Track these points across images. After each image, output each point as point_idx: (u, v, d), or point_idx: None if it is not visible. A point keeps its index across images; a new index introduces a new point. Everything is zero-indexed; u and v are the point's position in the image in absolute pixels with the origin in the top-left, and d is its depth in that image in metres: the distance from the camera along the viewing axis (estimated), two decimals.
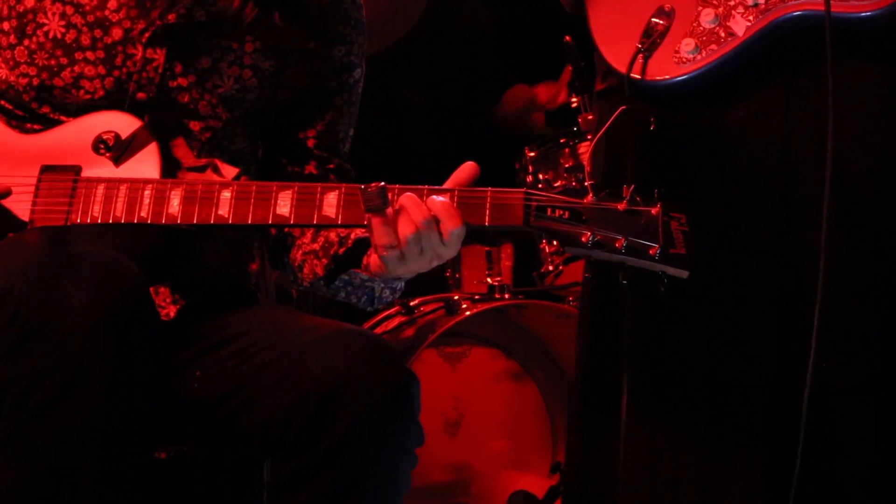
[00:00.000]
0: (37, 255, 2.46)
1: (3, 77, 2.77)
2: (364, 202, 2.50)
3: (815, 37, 2.91)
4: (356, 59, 2.94)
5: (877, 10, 2.93)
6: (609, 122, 2.98)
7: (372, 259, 2.61)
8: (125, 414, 2.42)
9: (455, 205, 2.48)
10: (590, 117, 4.66)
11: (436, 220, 2.48)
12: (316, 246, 2.77)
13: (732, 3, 3.04)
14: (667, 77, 3.06)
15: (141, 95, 2.76)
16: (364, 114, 3.03)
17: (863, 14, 2.95)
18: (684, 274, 2.50)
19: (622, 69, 3.06)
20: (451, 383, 4.84)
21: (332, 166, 2.94)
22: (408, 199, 2.48)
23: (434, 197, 2.49)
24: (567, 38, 4.71)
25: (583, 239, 2.48)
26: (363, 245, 2.68)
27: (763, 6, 3.01)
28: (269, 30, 2.82)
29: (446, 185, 2.54)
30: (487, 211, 2.50)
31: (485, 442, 4.91)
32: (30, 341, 2.37)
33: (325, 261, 2.75)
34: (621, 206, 2.47)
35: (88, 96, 2.75)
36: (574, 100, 4.80)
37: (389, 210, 2.49)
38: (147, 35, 2.75)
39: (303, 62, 2.87)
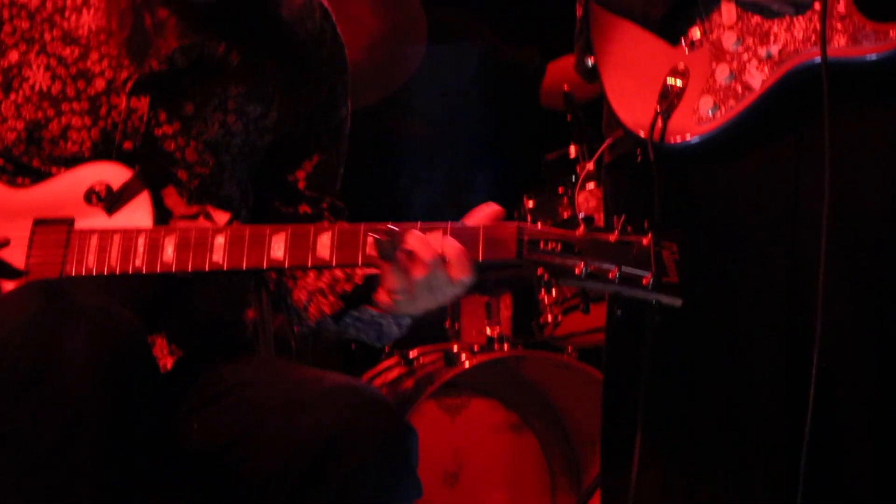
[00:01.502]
0: (35, 307, 2.44)
1: None
2: (377, 250, 2.51)
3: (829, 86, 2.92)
4: (341, 98, 2.94)
5: (883, 54, 2.94)
6: (598, 153, 2.99)
7: (383, 298, 2.62)
8: (124, 465, 2.40)
9: (465, 253, 2.48)
10: (589, 167, 4.66)
11: (444, 261, 2.49)
12: (322, 284, 2.77)
13: (746, 56, 3.05)
14: (687, 138, 3.06)
15: (127, 145, 2.74)
16: (360, 158, 3.03)
17: (868, 58, 2.95)
18: (678, 302, 2.49)
19: (641, 133, 3.06)
20: (451, 434, 4.82)
21: (325, 205, 2.93)
22: (417, 241, 2.49)
23: (447, 239, 2.48)
24: (565, 87, 4.72)
25: (576, 271, 2.47)
26: (371, 282, 2.69)
27: (777, 58, 3.02)
28: (252, 74, 2.81)
29: (467, 223, 2.53)
30: (481, 246, 2.49)
31: (484, 493, 4.89)
32: (29, 393, 2.34)
33: (331, 298, 2.75)
34: (613, 237, 2.47)
35: (76, 147, 2.73)
36: (573, 149, 4.80)
37: (400, 255, 2.49)
38: (130, 85, 2.74)
39: (287, 105, 2.86)
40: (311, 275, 2.80)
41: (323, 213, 2.93)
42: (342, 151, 2.98)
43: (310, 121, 2.90)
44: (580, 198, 4.72)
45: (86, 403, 2.36)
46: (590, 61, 3.23)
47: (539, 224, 2.53)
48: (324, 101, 2.90)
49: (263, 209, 2.91)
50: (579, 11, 3.32)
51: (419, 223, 2.53)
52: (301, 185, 2.91)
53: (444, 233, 2.51)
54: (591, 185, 4.49)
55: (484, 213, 2.53)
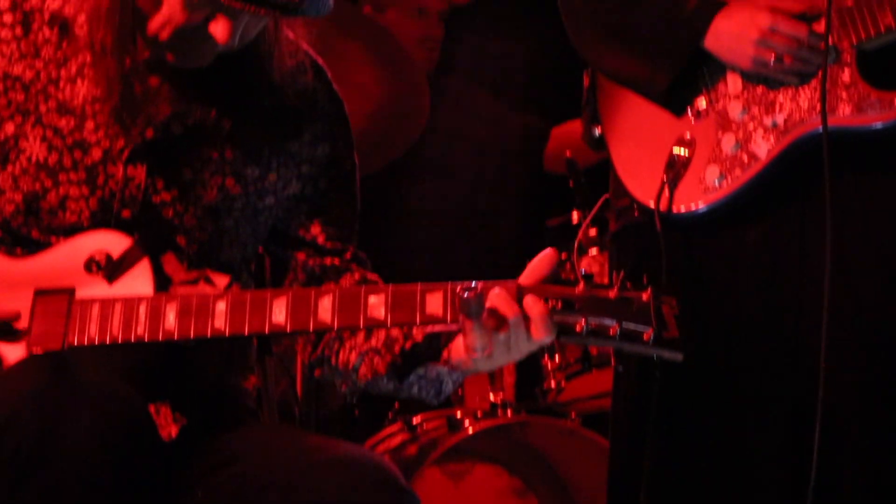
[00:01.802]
0: (39, 384, 2.43)
1: None
2: (461, 308, 2.50)
3: (832, 153, 2.93)
4: (344, 152, 2.94)
5: (888, 122, 2.96)
6: (590, 216, 3.01)
7: (456, 354, 2.63)
8: None
9: (547, 312, 2.47)
10: (591, 233, 4.66)
11: (526, 319, 2.49)
12: (375, 344, 2.75)
13: (752, 126, 3.08)
14: (694, 207, 3.10)
15: (126, 213, 2.74)
16: (370, 217, 3.04)
17: (874, 126, 2.96)
18: (679, 357, 2.48)
19: (649, 203, 3.08)
20: (455, 501, 4.79)
21: (349, 256, 2.93)
22: (500, 299, 2.49)
23: (530, 297, 2.48)
24: (568, 153, 4.73)
25: (577, 328, 2.46)
26: (432, 340, 2.69)
27: (782, 127, 3.05)
28: (247, 137, 2.82)
29: (523, 275, 2.54)
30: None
31: None
32: (33, 473, 2.34)
33: (388, 358, 2.74)
34: (612, 294, 2.47)
35: (75, 217, 2.73)
36: (575, 215, 4.80)
37: (484, 313, 2.49)
38: (126, 153, 2.74)
39: (286, 165, 2.87)
40: (360, 336, 2.81)
41: (350, 264, 2.93)
42: (355, 203, 2.98)
43: (314, 179, 2.90)
44: (583, 263, 4.73)
45: (91, 484, 2.36)
46: (597, 131, 3.26)
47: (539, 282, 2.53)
48: (326, 158, 2.90)
49: (289, 264, 2.93)
50: (586, 81, 3.35)
51: (450, 283, 2.53)
52: (320, 239, 2.91)
53: (445, 294, 2.52)
54: (593, 251, 4.50)
55: (536, 263, 2.56)
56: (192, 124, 2.76)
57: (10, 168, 2.74)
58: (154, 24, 2.61)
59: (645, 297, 2.47)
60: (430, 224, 5.38)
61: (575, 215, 4.83)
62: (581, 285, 2.49)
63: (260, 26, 2.67)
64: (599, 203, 3.37)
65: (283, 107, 2.83)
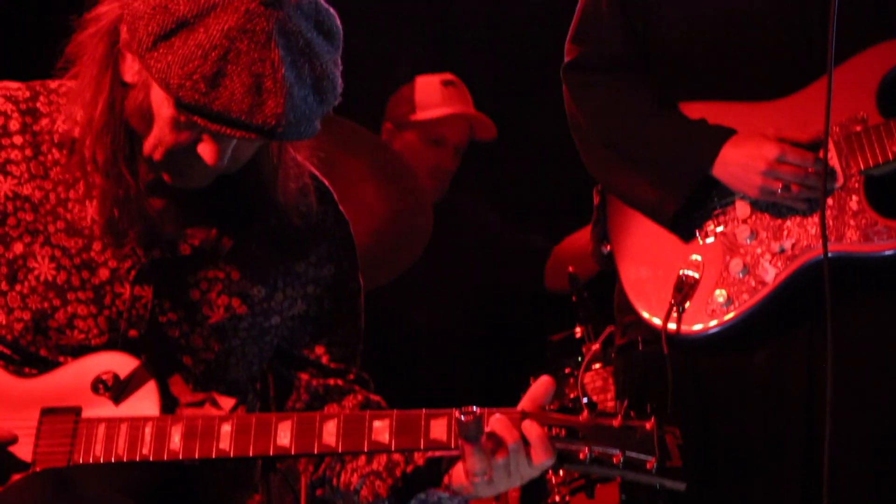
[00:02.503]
0: (41, 499, 2.44)
1: (2, 322, 2.77)
2: (460, 432, 2.51)
3: (839, 278, 2.94)
4: (349, 274, 2.95)
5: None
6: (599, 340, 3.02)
7: (457, 479, 2.62)
8: None
9: (546, 436, 2.49)
10: (594, 347, 4.67)
11: (526, 444, 2.50)
12: (377, 467, 2.75)
13: (759, 251, 3.11)
14: (701, 329, 3.11)
15: (133, 333, 2.76)
16: (371, 334, 3.05)
17: (884, 253, 3.00)
18: (681, 487, 2.47)
19: (657, 322, 3.11)
20: None
21: (352, 377, 2.94)
22: (500, 424, 2.50)
23: (528, 422, 2.49)
24: (570, 268, 4.75)
25: (580, 456, 2.47)
26: (433, 464, 2.69)
27: (790, 252, 3.08)
28: (254, 257, 2.83)
29: (522, 403, 2.55)
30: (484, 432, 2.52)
31: None
32: None
33: (389, 481, 2.73)
34: (616, 422, 2.47)
35: (83, 336, 2.74)
36: (578, 330, 4.81)
37: (483, 437, 2.50)
38: (133, 273, 2.76)
39: (292, 286, 2.88)
40: (363, 458, 2.81)
41: (353, 385, 2.93)
42: (359, 324, 2.98)
43: (320, 299, 2.91)
44: (586, 378, 4.72)
45: None
46: (605, 249, 3.28)
47: (544, 410, 2.54)
48: (331, 278, 2.91)
49: (293, 384, 2.93)
50: (596, 199, 3.39)
51: (455, 409, 2.54)
52: (324, 359, 2.92)
53: (450, 420, 2.53)
54: (597, 366, 4.51)
55: (534, 390, 2.57)
56: (198, 245, 2.78)
57: (18, 287, 2.76)
58: (147, 145, 2.64)
59: (648, 426, 2.47)
60: (432, 341, 5.38)
61: (578, 330, 4.83)
62: (585, 413, 2.49)
63: (252, 149, 2.69)
64: (604, 334, 3.37)
65: (288, 228, 2.85)
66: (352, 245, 2.95)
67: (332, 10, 2.58)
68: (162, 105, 2.55)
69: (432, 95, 5.43)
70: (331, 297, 2.91)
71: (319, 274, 2.89)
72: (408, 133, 5.41)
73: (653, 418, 2.47)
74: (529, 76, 5.60)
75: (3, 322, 2.76)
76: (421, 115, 5.39)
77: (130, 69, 2.60)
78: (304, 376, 2.91)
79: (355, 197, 4.52)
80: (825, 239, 2.90)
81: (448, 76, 5.46)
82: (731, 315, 3.09)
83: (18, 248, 2.75)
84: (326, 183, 2.95)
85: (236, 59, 2.45)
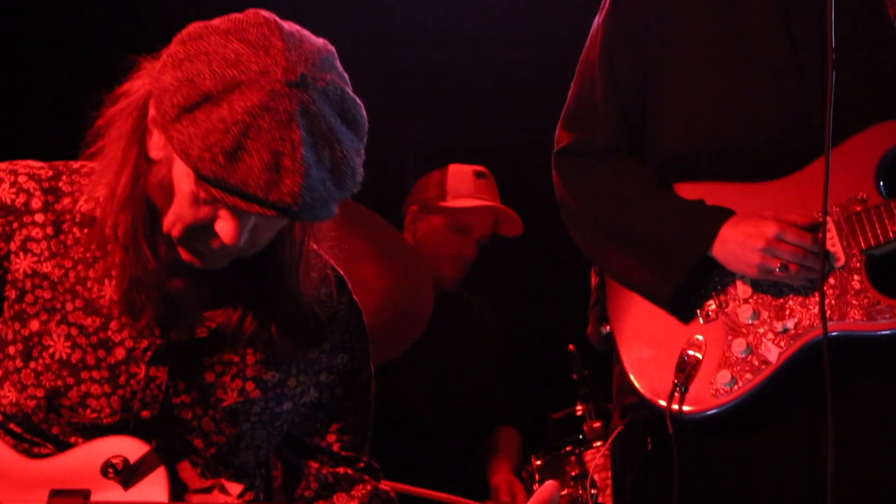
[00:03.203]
0: None
1: (14, 400, 2.77)
2: None
3: (841, 357, 2.96)
4: (361, 363, 2.96)
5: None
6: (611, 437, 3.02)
7: None
8: None
9: None
10: (595, 425, 4.67)
11: None
12: None
13: (762, 330, 3.11)
14: (705, 409, 3.11)
15: (145, 413, 2.76)
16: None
17: (888, 332, 3.02)
18: None
19: (659, 403, 3.11)
20: None
21: (362, 465, 2.95)
22: None
23: None
24: (571, 346, 4.76)
25: None
26: None
27: (793, 332, 3.09)
28: (270, 342, 2.83)
29: None
30: None
31: None
32: None
33: None
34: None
35: (95, 415, 2.75)
36: (579, 408, 4.81)
37: None
38: (149, 354, 2.76)
39: (305, 373, 2.89)
40: None
41: (363, 474, 2.95)
42: (370, 412, 3.00)
43: (332, 387, 2.93)
44: (587, 456, 4.72)
45: None
46: (605, 329, 3.29)
47: None
48: (344, 367, 2.93)
49: (302, 472, 2.94)
50: (594, 279, 3.39)
51: None
52: (335, 447, 2.94)
53: None
54: (598, 444, 4.51)
55: (539, 494, 2.58)
56: (215, 327, 2.79)
57: (32, 364, 2.76)
58: (167, 220, 2.65)
59: None
60: (432, 420, 5.38)
61: (579, 408, 4.84)
62: None
63: (271, 233, 2.70)
64: (616, 431, 3.38)
65: (305, 315, 2.85)
66: (365, 334, 2.97)
67: (359, 100, 2.59)
68: (182, 180, 2.57)
69: (464, 185, 5.49)
70: (343, 385, 2.93)
71: (333, 362, 2.91)
72: (434, 217, 5.45)
73: None
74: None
75: (15, 399, 2.77)
76: (451, 203, 5.44)
77: (156, 145, 2.62)
78: (314, 464, 2.92)
79: (355, 276, 4.49)
80: (824, 319, 2.93)
81: (480, 168, 5.54)
82: (734, 395, 3.09)
83: (35, 325, 2.76)
84: (342, 273, 2.96)
85: (257, 136, 2.46)
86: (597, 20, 3.38)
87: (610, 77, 3.33)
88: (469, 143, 6.02)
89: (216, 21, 2.58)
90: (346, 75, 2.61)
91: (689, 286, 3.19)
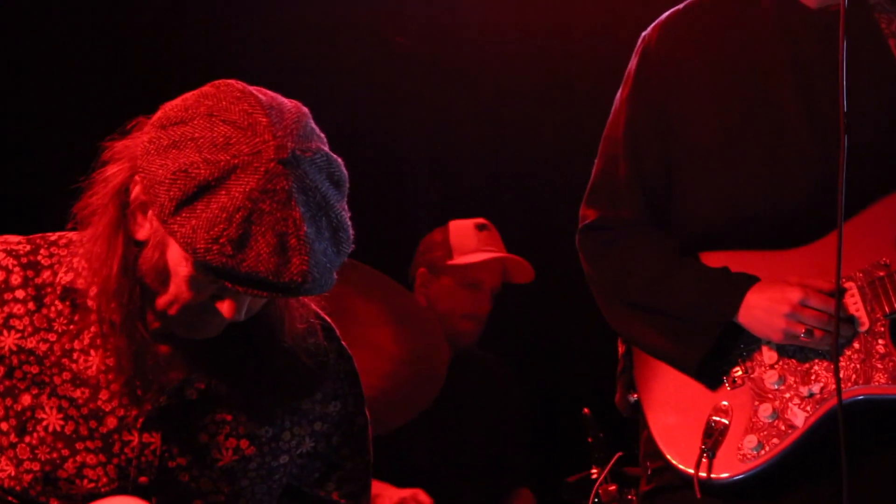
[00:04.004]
0: None
1: (12, 474, 2.75)
2: None
3: (867, 420, 2.99)
4: (355, 409, 2.96)
5: None
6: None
7: None
8: None
9: None
10: (611, 489, 4.66)
11: None
12: None
13: (788, 395, 3.13)
14: (733, 474, 3.12)
15: (143, 479, 2.76)
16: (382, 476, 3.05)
17: None
18: None
19: (687, 469, 3.12)
20: None
21: None
22: None
23: None
24: (586, 410, 4.75)
25: None
26: None
27: (818, 396, 3.11)
28: (261, 397, 2.83)
29: None
30: None
31: None
32: None
33: None
34: None
35: (92, 485, 2.75)
36: (594, 471, 4.80)
37: None
38: (141, 420, 2.76)
39: (299, 424, 2.88)
40: None
41: None
42: (368, 458, 3.00)
43: (328, 436, 2.92)
44: None
45: None
46: (633, 398, 3.30)
47: None
48: (338, 415, 2.92)
49: None
50: (621, 348, 3.42)
51: None
52: (335, 496, 2.94)
53: None
54: None
55: None
56: (205, 389, 2.78)
57: (27, 438, 2.75)
58: (162, 301, 2.65)
59: None
60: (447, 482, 5.36)
61: (594, 471, 4.82)
62: None
63: (266, 299, 2.69)
64: (614, 460, 3.39)
65: (294, 367, 2.84)
66: (357, 380, 2.96)
67: (338, 158, 2.60)
68: (180, 264, 2.57)
69: (467, 240, 5.48)
70: (339, 433, 2.93)
71: (326, 411, 2.91)
72: (444, 278, 5.45)
73: None
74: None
75: (14, 474, 2.76)
76: (458, 260, 5.44)
77: (142, 227, 2.62)
78: None
79: (370, 341, 4.53)
80: (839, 386, 2.95)
81: (481, 220, 5.53)
82: (762, 460, 3.10)
83: (26, 399, 2.75)
84: (329, 321, 2.95)
85: (260, 220, 2.47)
86: (619, 95, 3.41)
87: (634, 154, 3.36)
88: (472, 196, 6.04)
89: (191, 101, 2.58)
90: (321, 134, 2.62)
91: (715, 353, 3.20)
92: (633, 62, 3.41)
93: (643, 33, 3.42)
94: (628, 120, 3.37)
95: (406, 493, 4.85)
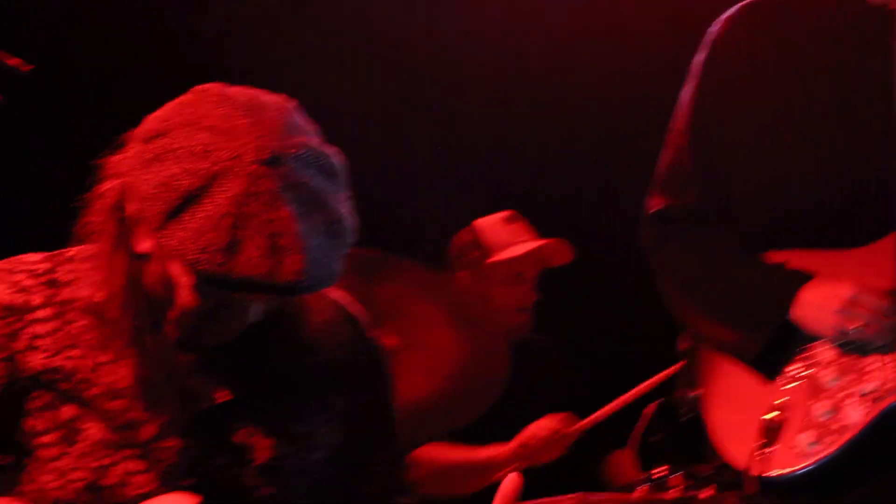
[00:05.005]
0: None
1: (58, 485, 2.77)
2: None
3: None
4: (387, 399, 2.97)
5: None
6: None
7: None
8: None
9: None
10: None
11: None
12: None
13: (844, 393, 3.12)
14: (789, 471, 3.13)
15: (186, 482, 2.76)
16: None
17: None
18: None
19: (744, 466, 3.10)
20: None
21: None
22: None
23: None
24: (651, 406, 4.71)
25: None
26: None
27: (875, 395, 3.09)
28: (291, 397, 2.83)
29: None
30: None
31: None
32: None
33: None
34: (671, 495, 2.44)
35: (136, 492, 2.76)
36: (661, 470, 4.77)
37: None
38: (177, 427, 2.77)
39: (333, 419, 2.88)
40: None
41: None
42: (399, 449, 3.00)
43: (359, 428, 2.91)
44: None
45: None
46: (693, 393, 3.34)
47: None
48: (368, 406, 2.92)
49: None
50: (683, 345, 3.47)
51: None
52: (367, 488, 2.93)
53: None
54: None
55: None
56: (234, 392, 2.79)
57: (70, 449, 2.77)
58: (173, 310, 2.67)
59: (704, 496, 2.45)
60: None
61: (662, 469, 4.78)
62: (644, 488, 2.47)
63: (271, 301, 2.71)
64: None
65: (321, 361, 2.86)
66: (385, 368, 2.96)
67: (330, 149, 2.58)
68: (181, 274, 2.59)
69: (500, 235, 5.46)
70: (368, 424, 2.93)
71: (356, 401, 2.90)
72: (487, 277, 5.42)
73: (713, 485, 2.44)
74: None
75: (59, 485, 2.78)
76: (499, 257, 5.41)
77: (143, 241, 2.63)
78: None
79: (431, 343, 4.52)
80: None
81: (507, 213, 5.50)
82: (818, 457, 3.10)
83: (67, 413, 2.77)
84: (353, 310, 2.96)
85: (247, 224, 2.47)
86: (685, 88, 3.45)
87: (698, 145, 3.39)
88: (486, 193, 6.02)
89: (170, 112, 2.59)
90: (310, 126, 2.61)
91: (772, 349, 3.21)
92: (699, 55, 3.44)
93: (710, 28, 3.45)
94: (693, 112, 3.41)
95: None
